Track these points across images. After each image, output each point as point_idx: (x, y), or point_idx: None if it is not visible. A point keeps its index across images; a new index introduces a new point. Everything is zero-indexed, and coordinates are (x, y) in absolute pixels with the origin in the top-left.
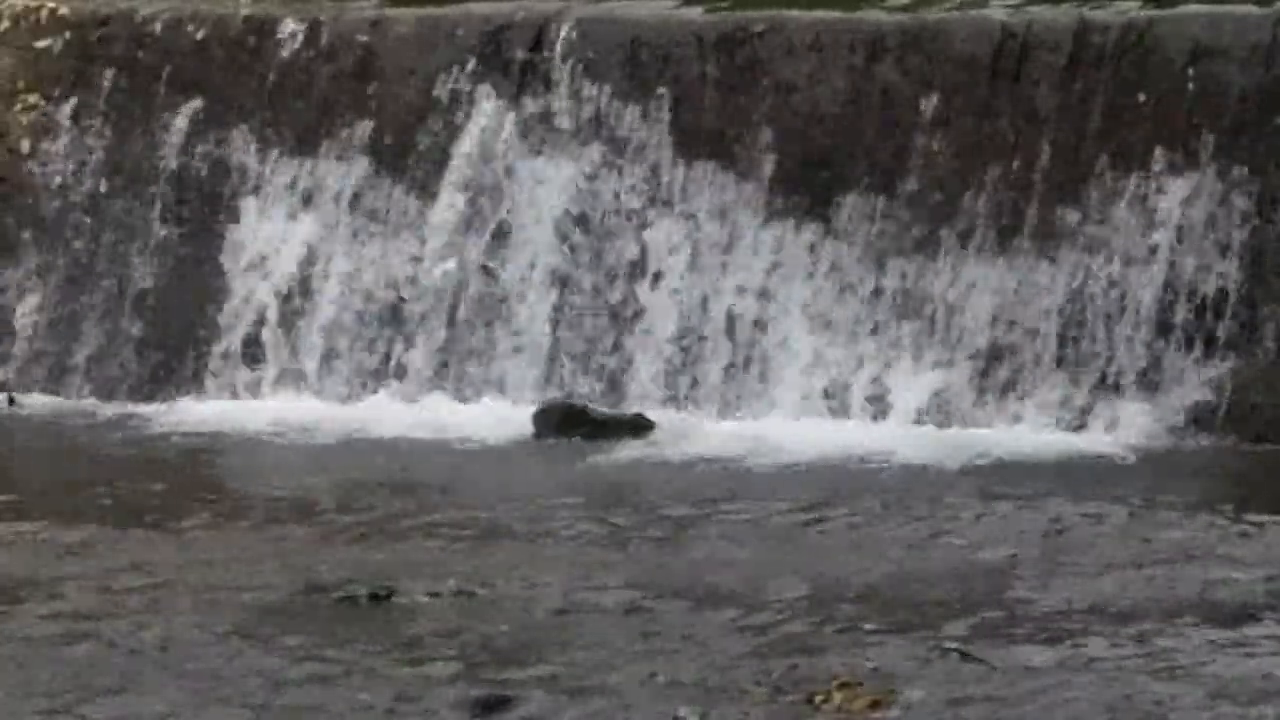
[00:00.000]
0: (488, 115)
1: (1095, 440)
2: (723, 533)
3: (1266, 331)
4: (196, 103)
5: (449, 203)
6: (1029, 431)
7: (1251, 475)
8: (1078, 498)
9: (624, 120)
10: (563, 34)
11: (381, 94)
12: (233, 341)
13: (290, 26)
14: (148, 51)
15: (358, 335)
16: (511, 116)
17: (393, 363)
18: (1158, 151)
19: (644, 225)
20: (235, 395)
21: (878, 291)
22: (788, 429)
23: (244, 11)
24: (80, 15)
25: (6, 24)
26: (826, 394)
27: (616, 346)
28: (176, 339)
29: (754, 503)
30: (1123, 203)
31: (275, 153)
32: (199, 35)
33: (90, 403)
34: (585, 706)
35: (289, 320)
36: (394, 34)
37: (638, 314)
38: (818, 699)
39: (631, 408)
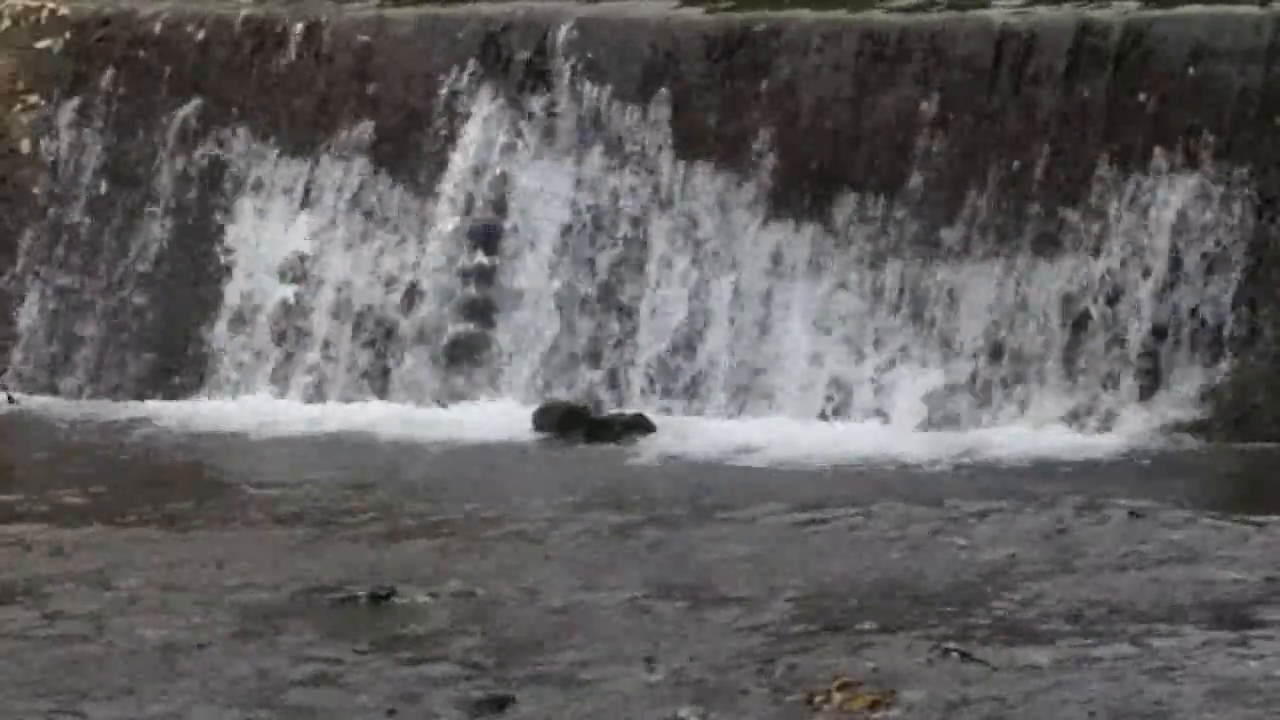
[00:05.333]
0: (488, 115)
1: (1095, 440)
2: (723, 533)
3: (1266, 331)
4: (196, 103)
5: (449, 202)
6: (1029, 432)
7: (1251, 475)
8: (1078, 498)
9: (624, 120)
10: (563, 34)
11: (381, 94)
12: (232, 341)
13: (290, 27)
14: (148, 51)
15: (357, 335)
16: (511, 116)
17: (393, 362)
18: (1158, 151)
19: (644, 225)
20: (235, 395)
21: (877, 292)
22: (788, 429)
23: (244, 12)
24: (80, 15)
25: (6, 24)
26: (827, 394)
27: (617, 346)
28: (176, 339)
29: (754, 503)
30: (1123, 203)
31: (275, 153)
32: (199, 35)
33: (90, 403)
34: (585, 706)
35: (288, 320)
36: (394, 34)
37: (638, 314)
38: (818, 699)
39: (631, 408)
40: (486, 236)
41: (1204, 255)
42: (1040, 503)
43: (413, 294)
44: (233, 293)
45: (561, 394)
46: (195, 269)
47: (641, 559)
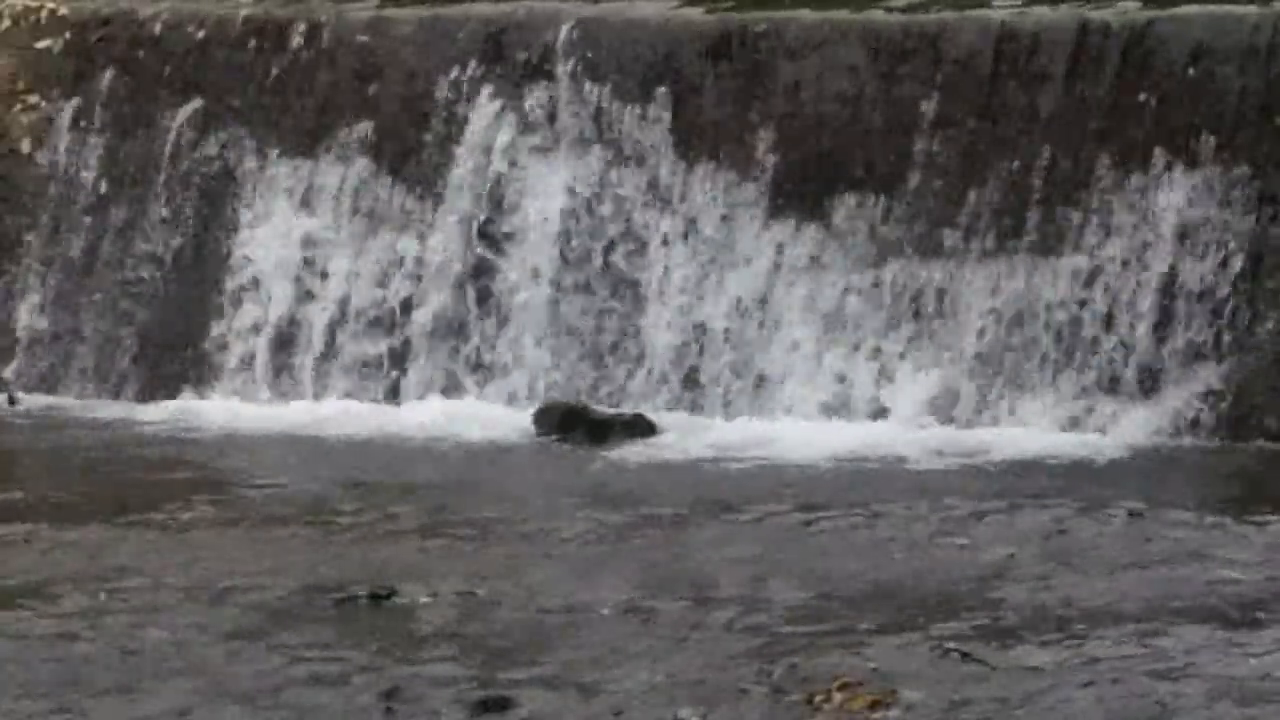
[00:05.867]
0: (488, 115)
1: (1095, 440)
2: (723, 533)
3: (1266, 331)
4: (196, 103)
5: (449, 202)
6: (1029, 431)
7: (1251, 475)
8: (1078, 498)
9: (624, 120)
10: (563, 34)
11: (381, 94)
12: (232, 341)
13: (290, 27)
14: (148, 51)
15: (358, 335)
16: (512, 116)
17: (393, 362)
18: (1158, 151)
19: (644, 225)
20: (235, 395)
21: (878, 292)
22: (788, 429)
23: (244, 12)
24: (80, 15)
25: (6, 24)
26: (827, 394)
27: (618, 346)
28: (176, 339)
29: (754, 503)
30: (1122, 203)
31: (275, 153)
32: (199, 35)
33: (90, 403)
34: (585, 706)
35: (289, 320)
36: (394, 34)
37: (638, 314)
38: (818, 699)
39: (632, 408)
40: (487, 236)
41: (1204, 255)
42: (1040, 503)
43: (413, 294)
44: (233, 292)
45: (561, 394)
46: (195, 269)
47: (641, 559)
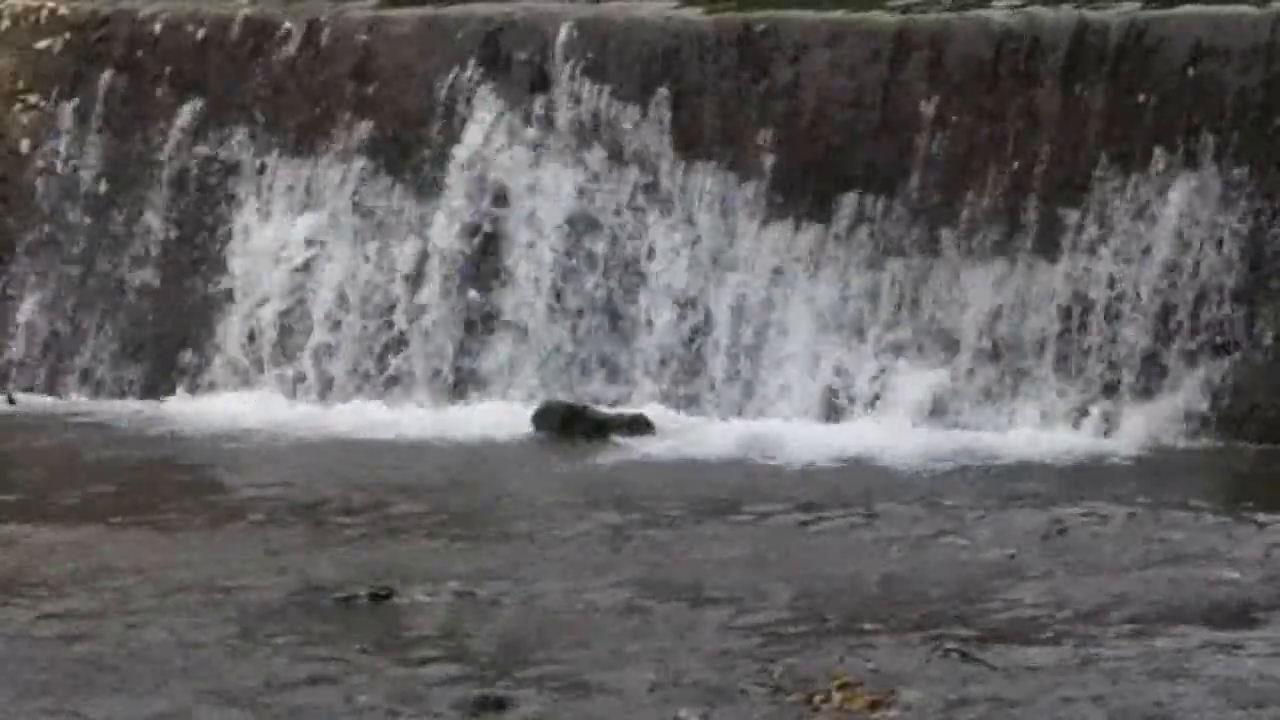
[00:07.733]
0: (488, 115)
1: (1095, 440)
2: (723, 533)
3: (1266, 331)
4: (196, 103)
5: (448, 202)
6: (1028, 431)
7: (1251, 475)
8: (1078, 498)
9: (624, 120)
10: (563, 34)
11: (381, 94)
12: (232, 342)
13: (290, 27)
14: (148, 51)
15: (357, 335)
16: (511, 116)
17: (392, 362)
18: (1158, 151)
19: (644, 225)
20: (235, 395)
21: (877, 291)
22: (788, 429)
23: (244, 11)
24: (80, 15)
25: (6, 24)
26: (827, 394)
27: (617, 346)
28: (176, 339)
29: (753, 503)
30: (1122, 203)
31: (275, 153)
32: (199, 35)
33: (90, 403)
34: (585, 706)
35: (288, 320)
36: (394, 34)
37: (638, 314)
38: (818, 699)
39: (632, 408)
40: (486, 236)
41: (1203, 255)
42: (1040, 503)
43: (413, 294)
44: (232, 293)
45: (561, 394)
46: (195, 269)
47: (641, 559)
